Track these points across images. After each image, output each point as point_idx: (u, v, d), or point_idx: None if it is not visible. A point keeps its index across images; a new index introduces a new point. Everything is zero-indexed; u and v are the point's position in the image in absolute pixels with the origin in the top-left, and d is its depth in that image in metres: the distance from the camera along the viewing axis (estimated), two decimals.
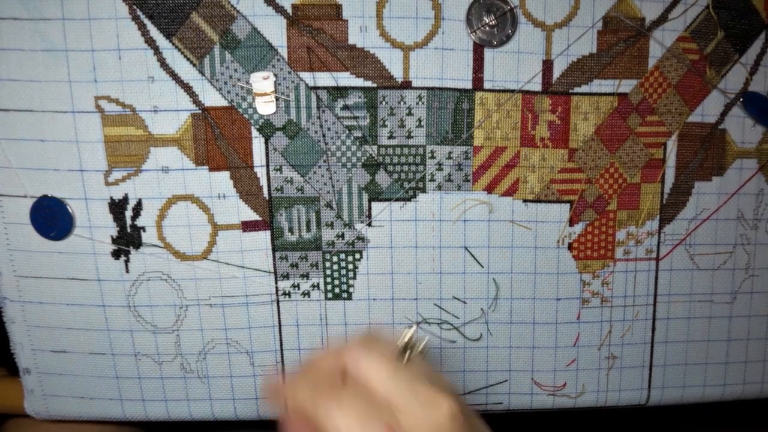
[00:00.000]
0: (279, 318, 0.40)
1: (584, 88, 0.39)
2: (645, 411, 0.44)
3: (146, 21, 0.36)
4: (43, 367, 0.40)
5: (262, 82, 0.37)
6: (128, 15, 0.36)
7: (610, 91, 0.39)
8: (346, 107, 0.38)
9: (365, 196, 0.39)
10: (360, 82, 0.37)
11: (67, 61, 0.36)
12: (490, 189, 0.39)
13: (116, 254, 0.39)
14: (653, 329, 0.42)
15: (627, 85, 0.39)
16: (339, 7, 0.37)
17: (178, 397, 0.41)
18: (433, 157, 0.39)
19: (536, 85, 0.38)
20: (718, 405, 0.45)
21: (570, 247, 0.40)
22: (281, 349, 0.41)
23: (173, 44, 0.36)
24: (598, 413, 0.43)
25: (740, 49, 0.39)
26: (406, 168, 0.39)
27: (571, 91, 0.38)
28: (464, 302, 0.41)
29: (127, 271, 0.39)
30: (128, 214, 0.38)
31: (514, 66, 0.38)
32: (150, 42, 0.36)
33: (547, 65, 0.38)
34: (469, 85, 0.38)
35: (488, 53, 0.38)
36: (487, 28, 0.37)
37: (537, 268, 0.40)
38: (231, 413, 0.41)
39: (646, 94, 0.39)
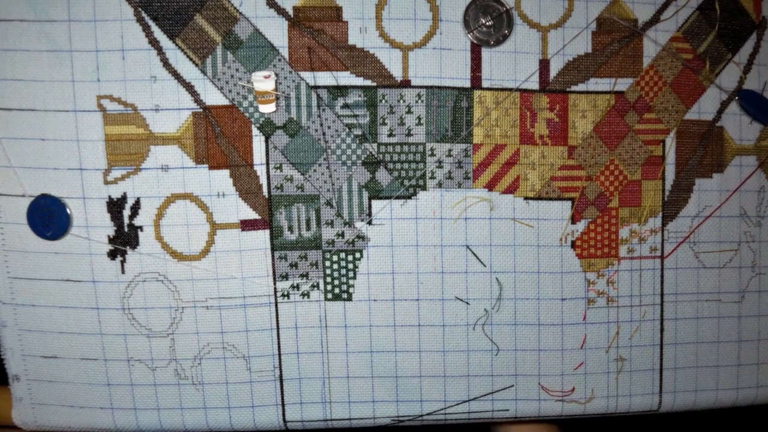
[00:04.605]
0: (277, 320, 0.39)
1: (581, 87, 0.39)
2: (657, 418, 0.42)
3: (150, 23, 0.37)
4: (32, 373, 0.39)
5: (263, 81, 0.37)
6: (133, 17, 0.37)
7: (606, 89, 0.39)
8: (346, 106, 0.38)
9: (365, 194, 0.39)
10: (360, 81, 0.38)
11: (71, 62, 0.37)
12: (490, 186, 0.39)
13: (112, 254, 0.38)
14: (662, 330, 0.41)
15: (623, 84, 0.39)
16: (339, 9, 0.38)
17: (171, 406, 0.39)
18: (433, 155, 0.39)
19: (533, 84, 0.39)
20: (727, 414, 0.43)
21: (573, 245, 0.40)
22: (279, 354, 0.39)
23: (176, 45, 0.37)
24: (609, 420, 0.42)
25: (732, 49, 0.40)
26: (406, 166, 0.39)
27: (568, 89, 0.39)
28: (467, 303, 0.40)
29: (123, 272, 0.38)
30: (126, 213, 0.38)
31: (512, 65, 0.39)
32: (154, 43, 0.37)
33: (544, 64, 0.39)
34: (467, 84, 0.38)
35: (485, 53, 0.38)
36: (484, 28, 0.38)
37: (540, 267, 0.40)
38: (226, 423, 0.40)
39: (642, 92, 0.39)
